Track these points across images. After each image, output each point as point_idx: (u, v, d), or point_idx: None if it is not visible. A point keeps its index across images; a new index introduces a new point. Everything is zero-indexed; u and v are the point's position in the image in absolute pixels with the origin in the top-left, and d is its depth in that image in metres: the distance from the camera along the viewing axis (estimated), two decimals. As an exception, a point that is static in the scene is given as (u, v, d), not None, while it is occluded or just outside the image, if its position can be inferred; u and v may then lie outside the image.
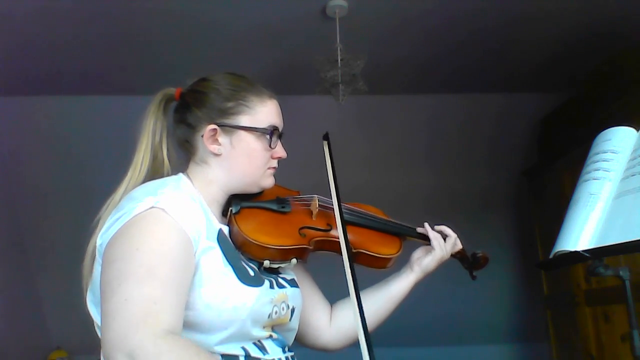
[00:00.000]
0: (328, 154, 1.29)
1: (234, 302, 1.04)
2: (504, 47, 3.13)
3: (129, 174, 1.17)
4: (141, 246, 0.98)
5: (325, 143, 1.31)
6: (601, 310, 2.85)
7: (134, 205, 1.02)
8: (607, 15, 2.77)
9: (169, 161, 1.21)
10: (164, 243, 0.99)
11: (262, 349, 1.10)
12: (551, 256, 1.21)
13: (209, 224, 1.10)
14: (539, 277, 3.56)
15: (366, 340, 0.99)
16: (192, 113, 1.18)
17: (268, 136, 1.18)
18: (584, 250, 1.15)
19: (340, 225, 1.18)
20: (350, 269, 1.10)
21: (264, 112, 1.19)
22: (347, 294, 1.08)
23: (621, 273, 1.17)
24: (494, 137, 3.86)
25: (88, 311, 1.10)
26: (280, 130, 1.22)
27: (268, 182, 1.23)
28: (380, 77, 3.09)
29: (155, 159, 1.20)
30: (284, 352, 1.15)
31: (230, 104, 1.17)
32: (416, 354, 3.99)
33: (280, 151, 1.23)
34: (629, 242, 1.09)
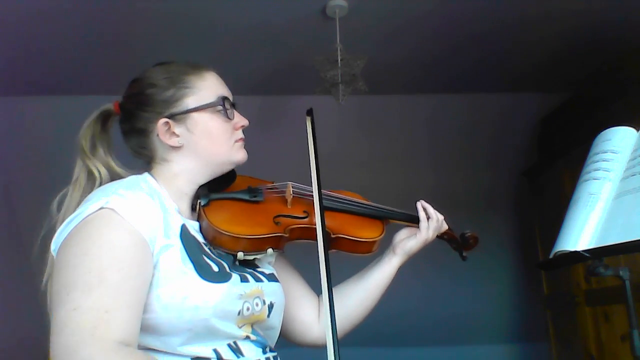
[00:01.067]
0: (310, 129, 1.24)
1: (195, 301, 0.98)
2: (505, 48, 3.13)
3: (68, 195, 1.13)
4: (89, 251, 0.94)
5: (308, 119, 1.26)
6: (601, 310, 2.85)
7: (86, 206, 0.99)
8: (607, 16, 2.77)
9: (123, 170, 1.15)
10: (114, 246, 0.94)
11: (237, 351, 1.04)
12: (551, 256, 1.21)
13: (169, 221, 1.04)
14: (539, 277, 3.56)
15: (333, 336, 0.97)
16: (139, 117, 1.13)
17: (221, 108, 1.13)
18: (584, 250, 1.15)
19: (318, 202, 1.12)
20: (325, 258, 1.05)
21: (206, 86, 1.14)
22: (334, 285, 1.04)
23: (621, 273, 1.16)
24: (494, 137, 3.86)
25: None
26: (231, 99, 1.17)
27: (240, 155, 1.17)
28: (380, 77, 3.08)
29: (108, 171, 1.14)
30: (264, 352, 1.09)
31: (171, 92, 1.12)
32: (416, 354, 3.99)
33: (240, 120, 1.17)
34: (629, 242, 1.09)
